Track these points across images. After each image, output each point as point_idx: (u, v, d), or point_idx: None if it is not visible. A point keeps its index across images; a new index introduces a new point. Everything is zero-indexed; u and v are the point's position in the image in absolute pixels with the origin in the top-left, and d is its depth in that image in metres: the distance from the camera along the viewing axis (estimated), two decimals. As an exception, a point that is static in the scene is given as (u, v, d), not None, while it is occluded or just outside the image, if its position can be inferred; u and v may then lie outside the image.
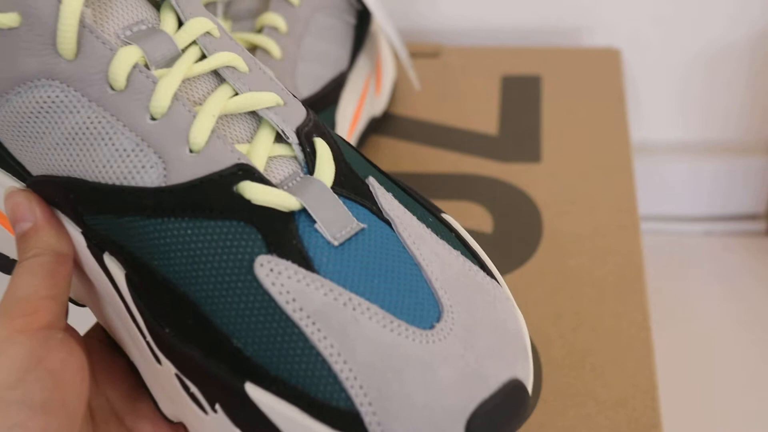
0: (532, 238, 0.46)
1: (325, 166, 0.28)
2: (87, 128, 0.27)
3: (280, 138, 0.29)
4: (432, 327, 0.26)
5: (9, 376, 0.26)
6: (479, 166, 0.51)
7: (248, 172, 0.27)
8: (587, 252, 0.45)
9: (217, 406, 0.27)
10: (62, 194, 0.29)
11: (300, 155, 0.28)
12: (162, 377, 0.29)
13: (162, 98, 0.27)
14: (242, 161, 0.27)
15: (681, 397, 0.61)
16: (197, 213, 0.26)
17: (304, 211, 0.27)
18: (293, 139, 0.28)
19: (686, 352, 0.67)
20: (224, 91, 0.28)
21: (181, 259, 0.26)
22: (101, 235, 0.28)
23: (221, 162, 0.27)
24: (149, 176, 0.27)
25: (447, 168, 0.51)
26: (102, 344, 0.33)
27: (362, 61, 0.50)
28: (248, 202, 0.27)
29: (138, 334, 0.29)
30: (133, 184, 0.27)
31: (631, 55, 0.67)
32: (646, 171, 0.70)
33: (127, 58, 0.27)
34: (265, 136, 0.28)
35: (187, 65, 0.28)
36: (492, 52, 0.62)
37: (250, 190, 0.27)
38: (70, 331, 0.30)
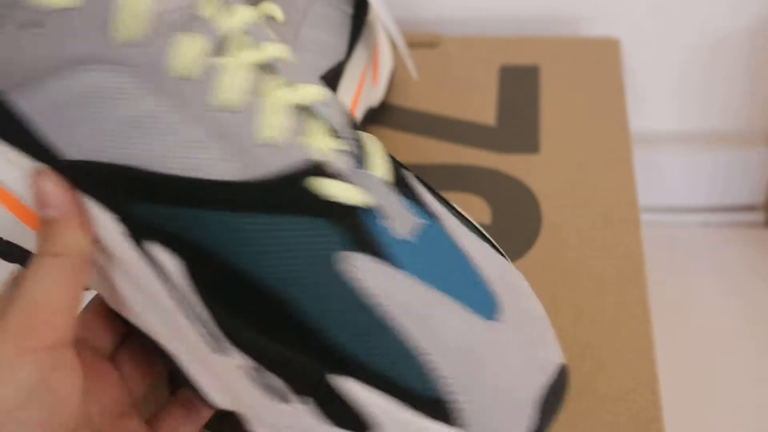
0: (530, 230, 0.46)
1: (379, 161, 0.28)
2: (152, 117, 0.26)
3: (329, 132, 0.29)
4: (496, 319, 0.28)
5: (17, 396, 0.26)
6: (477, 157, 0.51)
7: (319, 168, 0.27)
8: (587, 244, 0.45)
9: (304, 398, 0.27)
10: (104, 180, 0.27)
11: (352, 149, 0.28)
12: (218, 367, 0.28)
13: (230, 89, 0.27)
14: (312, 156, 0.27)
15: (682, 390, 0.61)
16: (272, 209, 0.26)
17: (370, 207, 0.27)
18: (344, 133, 0.28)
19: (686, 345, 0.67)
20: (280, 82, 0.28)
21: (259, 254, 0.26)
22: (152, 225, 0.27)
23: (292, 156, 0.27)
24: (222, 169, 0.26)
25: (445, 159, 0.51)
26: (93, 356, 0.32)
27: (359, 51, 0.50)
28: (322, 198, 0.27)
29: (187, 323, 0.28)
30: (203, 176, 0.26)
31: (631, 45, 0.66)
32: (645, 162, 0.70)
33: (192, 45, 0.26)
34: (320, 131, 0.28)
35: (245, 55, 0.27)
36: (490, 42, 0.61)
37: (323, 186, 0.27)
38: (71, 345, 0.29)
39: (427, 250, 0.28)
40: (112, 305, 0.31)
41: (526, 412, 0.27)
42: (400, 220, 0.28)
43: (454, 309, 0.27)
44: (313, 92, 0.28)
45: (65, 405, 0.27)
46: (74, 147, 0.27)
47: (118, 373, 0.32)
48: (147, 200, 0.27)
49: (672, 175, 0.76)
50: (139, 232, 0.28)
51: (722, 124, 0.75)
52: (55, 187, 0.28)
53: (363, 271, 0.26)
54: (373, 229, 0.27)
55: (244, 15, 0.28)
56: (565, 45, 0.60)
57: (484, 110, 0.55)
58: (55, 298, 0.27)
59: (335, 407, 0.27)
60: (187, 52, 0.26)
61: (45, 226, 0.28)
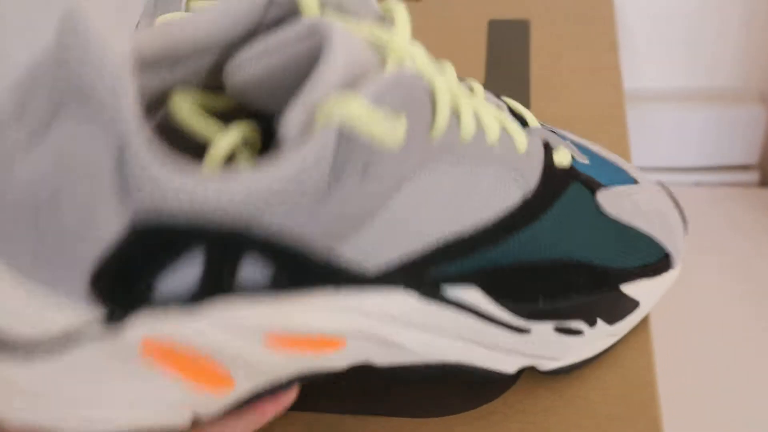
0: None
1: (528, 117, 0.33)
2: (462, 182, 0.29)
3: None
4: (641, 185, 0.36)
5: None
6: (465, 116, 0.49)
7: (548, 147, 0.32)
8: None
9: (597, 320, 0.33)
10: (406, 268, 0.29)
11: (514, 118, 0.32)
12: (529, 344, 0.33)
13: (492, 131, 0.30)
14: (539, 140, 0.32)
15: (675, 352, 0.60)
16: (555, 197, 0.31)
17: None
18: (503, 105, 0.33)
19: (678, 305, 0.66)
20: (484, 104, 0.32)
21: (553, 240, 0.31)
22: (449, 279, 0.29)
23: (539, 152, 0.31)
24: (515, 194, 0.30)
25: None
26: None
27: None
28: (563, 170, 0.32)
29: (491, 331, 0.31)
30: (505, 209, 0.30)
31: (623, 0, 0.65)
32: (636, 120, 0.68)
33: (469, 115, 0.29)
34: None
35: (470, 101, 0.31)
36: (478, -4, 0.59)
37: (559, 158, 0.32)
38: None
39: (596, 161, 0.34)
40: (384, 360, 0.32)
41: (682, 233, 0.36)
42: (574, 153, 0.33)
43: (634, 189, 0.35)
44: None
45: None
46: (383, 259, 0.28)
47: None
48: (447, 261, 0.29)
49: (663, 134, 0.75)
50: (437, 289, 0.30)
51: (716, 82, 0.73)
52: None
53: (606, 203, 0.33)
54: (581, 169, 0.33)
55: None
56: (555, -2, 0.58)
57: (472, 67, 0.53)
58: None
59: (618, 311, 0.34)
60: (470, 121, 0.29)
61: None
